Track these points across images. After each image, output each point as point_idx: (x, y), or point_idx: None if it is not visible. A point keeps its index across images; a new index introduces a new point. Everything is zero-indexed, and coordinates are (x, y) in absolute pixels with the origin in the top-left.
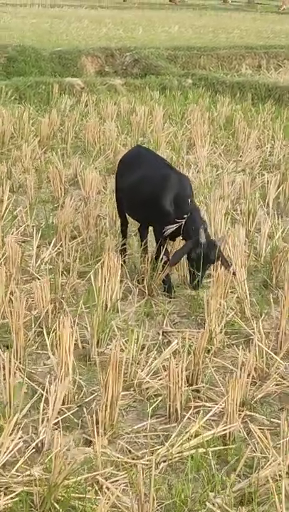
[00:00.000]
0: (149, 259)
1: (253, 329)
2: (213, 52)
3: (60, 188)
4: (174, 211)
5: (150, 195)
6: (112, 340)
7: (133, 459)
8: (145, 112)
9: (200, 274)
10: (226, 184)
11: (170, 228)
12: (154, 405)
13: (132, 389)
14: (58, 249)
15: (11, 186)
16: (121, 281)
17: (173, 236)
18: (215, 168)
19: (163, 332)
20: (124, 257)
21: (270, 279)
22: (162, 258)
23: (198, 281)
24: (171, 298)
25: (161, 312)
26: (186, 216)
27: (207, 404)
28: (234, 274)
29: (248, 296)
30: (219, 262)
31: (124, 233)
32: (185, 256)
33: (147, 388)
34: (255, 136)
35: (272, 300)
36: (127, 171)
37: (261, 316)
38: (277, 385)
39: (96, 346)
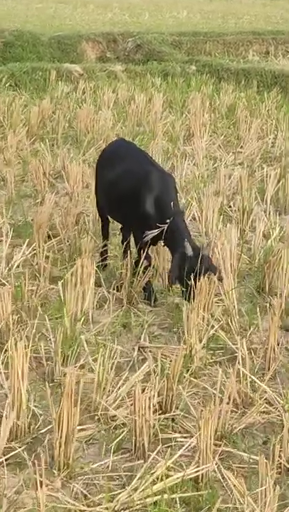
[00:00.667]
0: (129, 264)
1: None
2: (220, 38)
3: (44, 182)
4: (155, 214)
5: (129, 195)
6: (82, 357)
7: (88, 506)
8: (144, 100)
9: (190, 287)
10: (222, 178)
11: (150, 234)
12: (119, 438)
13: (96, 417)
14: (34, 250)
15: None
16: (99, 286)
17: (154, 240)
18: (212, 161)
19: (139, 347)
20: (105, 260)
21: (264, 285)
22: (143, 263)
23: (190, 293)
24: (152, 306)
25: (140, 323)
26: (168, 221)
27: (180, 437)
28: (220, 279)
29: (235, 306)
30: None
31: (105, 234)
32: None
33: (114, 416)
34: (258, 125)
35: (261, 310)
36: (106, 166)
37: (250, 328)
38: (263, 412)
39: (61, 364)
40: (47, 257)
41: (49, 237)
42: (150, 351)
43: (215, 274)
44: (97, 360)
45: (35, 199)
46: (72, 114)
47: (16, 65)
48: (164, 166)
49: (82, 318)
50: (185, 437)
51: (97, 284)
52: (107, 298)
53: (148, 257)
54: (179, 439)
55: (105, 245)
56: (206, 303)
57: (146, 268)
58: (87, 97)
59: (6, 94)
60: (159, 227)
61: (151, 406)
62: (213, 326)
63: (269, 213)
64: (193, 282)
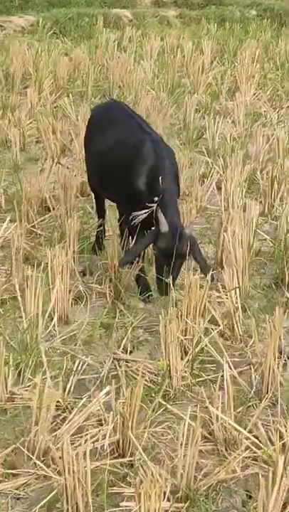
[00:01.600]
0: (116, 251)
1: (244, 354)
2: None
3: (55, 144)
4: (145, 191)
5: (118, 168)
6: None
7: None
8: (192, 48)
9: (167, 274)
10: (260, 139)
11: (140, 215)
12: (50, 496)
13: (32, 462)
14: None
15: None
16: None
17: (146, 224)
18: (255, 118)
19: (114, 359)
20: (100, 242)
21: (283, 275)
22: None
23: (166, 284)
24: (147, 302)
25: (124, 324)
26: (156, 199)
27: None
28: (212, 279)
29: (239, 306)
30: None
31: (99, 211)
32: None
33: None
34: None
35: (277, 307)
36: (94, 133)
37: (257, 334)
38: (247, 458)
39: (11, 383)
40: (32, 237)
41: (44, 211)
42: (127, 364)
43: (205, 273)
44: (56, 377)
45: (43, 165)
46: (108, 65)
47: (61, 10)
48: (195, 123)
49: (42, 321)
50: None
51: (75, 277)
52: (84, 293)
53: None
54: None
55: (101, 225)
56: (197, 306)
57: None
58: (133, 46)
59: (48, 41)
60: (149, 207)
61: (88, 461)
62: (209, 332)
63: None
64: (167, 268)
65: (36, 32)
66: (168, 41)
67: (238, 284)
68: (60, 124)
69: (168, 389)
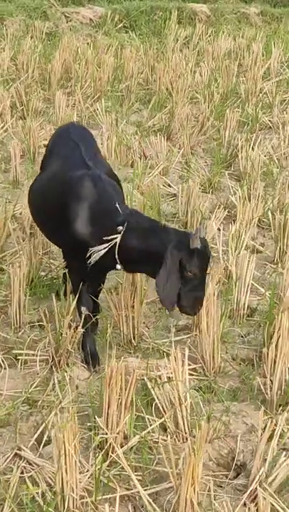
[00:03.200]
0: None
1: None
2: None
3: None
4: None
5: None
6: None
7: None
8: (261, 51)
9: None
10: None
11: (99, 250)
12: None
13: None
14: None
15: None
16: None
17: (99, 270)
18: None
19: (15, 454)
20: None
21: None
22: (81, 311)
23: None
24: (93, 371)
25: (48, 403)
26: (120, 228)
27: None
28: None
29: (188, 396)
30: None
31: None
32: None
33: None
34: None
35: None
36: (46, 159)
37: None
38: None
39: None
40: None
41: None
42: (32, 468)
43: None
44: None
45: None
46: (159, 66)
47: (134, 3)
48: (229, 142)
49: None
50: None
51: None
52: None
53: (87, 303)
54: None
55: None
56: (122, 397)
57: (87, 318)
58: (202, 45)
59: (114, 36)
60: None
61: None
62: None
63: None
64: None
65: (104, 25)
66: (237, 42)
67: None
68: None
69: None
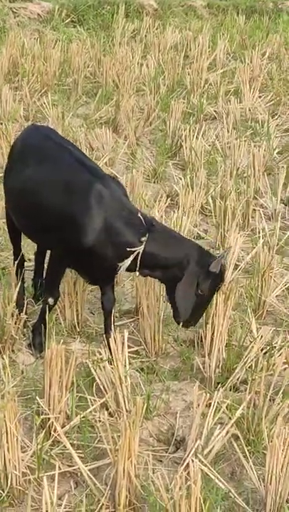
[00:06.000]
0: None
1: None
2: None
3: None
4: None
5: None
6: None
7: None
8: (204, 43)
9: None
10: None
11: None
12: None
13: None
14: None
15: None
16: None
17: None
18: (252, 125)
19: None
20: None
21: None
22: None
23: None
24: (38, 356)
25: None
26: (143, 239)
27: None
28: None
29: (128, 377)
30: None
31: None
32: None
33: None
34: None
35: None
36: (20, 158)
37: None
38: None
39: None
40: None
41: None
42: None
43: None
44: None
45: None
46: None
47: None
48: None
49: None
50: None
51: None
52: None
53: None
54: None
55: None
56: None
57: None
58: (149, 38)
59: (62, 31)
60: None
61: None
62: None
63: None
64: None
65: (52, 20)
66: (183, 35)
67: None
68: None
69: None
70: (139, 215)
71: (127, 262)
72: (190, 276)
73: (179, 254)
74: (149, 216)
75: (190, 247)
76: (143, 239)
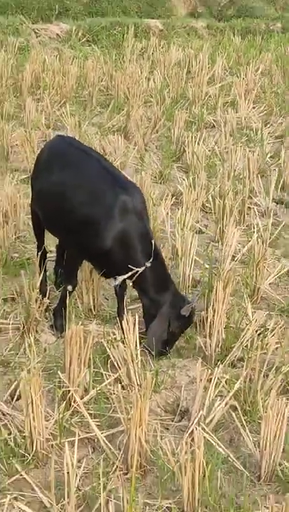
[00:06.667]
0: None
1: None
2: None
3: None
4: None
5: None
6: None
7: None
8: (204, 60)
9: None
10: (233, 160)
11: (122, 278)
12: None
13: None
14: None
15: None
16: None
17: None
18: (247, 132)
19: None
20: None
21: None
22: (68, 289)
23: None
24: (59, 336)
25: (20, 365)
26: (148, 264)
27: None
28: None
29: (138, 354)
30: None
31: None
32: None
33: None
34: None
35: None
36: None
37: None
38: None
39: None
40: None
41: None
42: (4, 414)
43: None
44: None
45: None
46: (117, 75)
47: (96, 19)
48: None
49: None
50: None
51: None
52: None
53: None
54: None
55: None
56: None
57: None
58: (156, 56)
59: (79, 49)
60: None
61: None
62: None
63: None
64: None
65: (70, 39)
66: (186, 52)
67: None
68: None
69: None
70: (151, 237)
71: (123, 277)
72: (162, 317)
73: (160, 292)
74: (155, 242)
75: (170, 289)
76: (147, 264)
